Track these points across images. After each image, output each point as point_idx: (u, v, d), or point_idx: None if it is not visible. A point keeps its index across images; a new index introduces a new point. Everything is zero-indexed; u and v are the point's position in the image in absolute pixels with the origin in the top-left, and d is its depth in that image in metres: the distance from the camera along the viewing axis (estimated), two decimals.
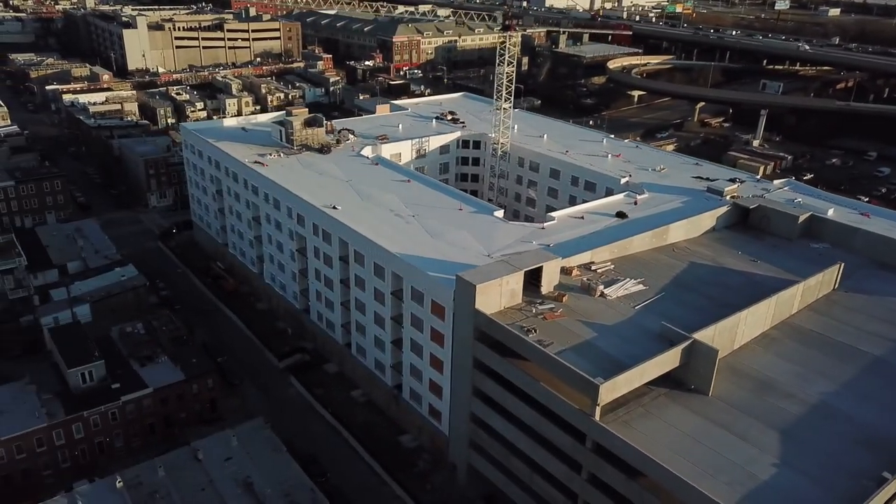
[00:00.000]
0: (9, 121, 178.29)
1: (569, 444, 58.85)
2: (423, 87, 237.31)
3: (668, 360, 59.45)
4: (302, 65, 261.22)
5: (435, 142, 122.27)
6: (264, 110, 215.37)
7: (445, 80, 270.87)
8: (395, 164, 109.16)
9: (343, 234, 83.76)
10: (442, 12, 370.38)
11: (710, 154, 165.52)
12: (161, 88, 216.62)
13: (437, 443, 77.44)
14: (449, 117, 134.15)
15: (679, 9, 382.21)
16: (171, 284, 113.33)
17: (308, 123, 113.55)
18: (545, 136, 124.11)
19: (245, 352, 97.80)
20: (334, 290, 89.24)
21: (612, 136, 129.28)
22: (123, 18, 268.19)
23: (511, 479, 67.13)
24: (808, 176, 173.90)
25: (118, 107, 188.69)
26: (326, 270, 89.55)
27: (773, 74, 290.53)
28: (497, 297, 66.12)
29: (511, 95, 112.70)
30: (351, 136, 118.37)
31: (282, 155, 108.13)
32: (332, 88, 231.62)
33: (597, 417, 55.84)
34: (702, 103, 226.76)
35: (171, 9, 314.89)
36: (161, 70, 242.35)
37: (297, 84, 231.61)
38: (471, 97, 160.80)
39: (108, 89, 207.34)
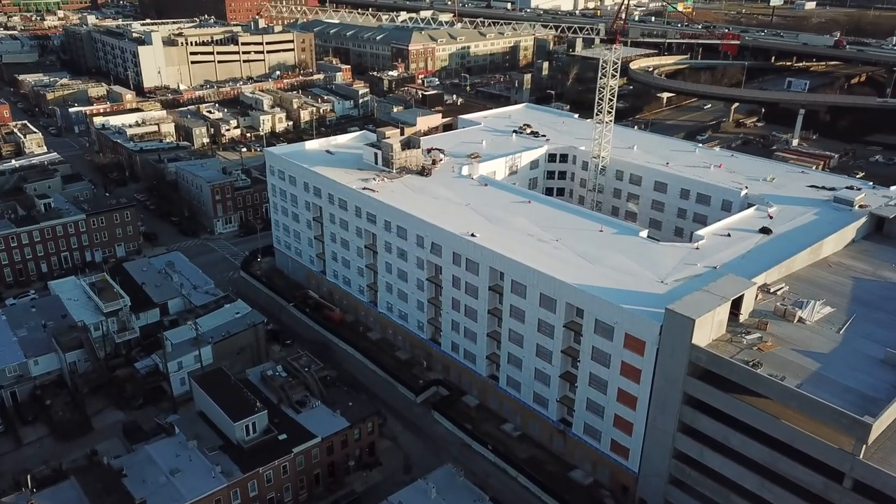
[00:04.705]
0: (45, 147, 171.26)
1: (820, 484, 56.52)
2: (454, 97, 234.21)
3: None
4: (321, 77, 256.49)
5: (526, 157, 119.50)
6: (296, 126, 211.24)
7: (468, 88, 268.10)
8: (505, 184, 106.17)
9: (496, 264, 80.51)
10: (443, 17, 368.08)
11: (755, 155, 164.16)
12: (190, 107, 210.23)
13: (619, 479, 74.59)
14: (528, 130, 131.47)
15: (680, 7, 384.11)
16: (270, 316, 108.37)
17: (405, 145, 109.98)
18: (635, 146, 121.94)
19: (374, 386, 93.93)
20: (478, 321, 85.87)
21: (702, 144, 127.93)
22: (134, 35, 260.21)
23: None
24: (860, 174, 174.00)
25: (155, 128, 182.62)
26: (469, 300, 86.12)
27: (786, 71, 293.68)
28: (708, 329, 63.62)
29: (613, 109, 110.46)
30: (442, 156, 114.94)
31: (385, 179, 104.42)
32: (361, 101, 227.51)
33: (861, 456, 53.59)
34: (736, 104, 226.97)
35: (173, 23, 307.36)
36: (182, 87, 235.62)
37: (325, 97, 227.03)
38: (533, 107, 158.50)
39: (137, 110, 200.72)
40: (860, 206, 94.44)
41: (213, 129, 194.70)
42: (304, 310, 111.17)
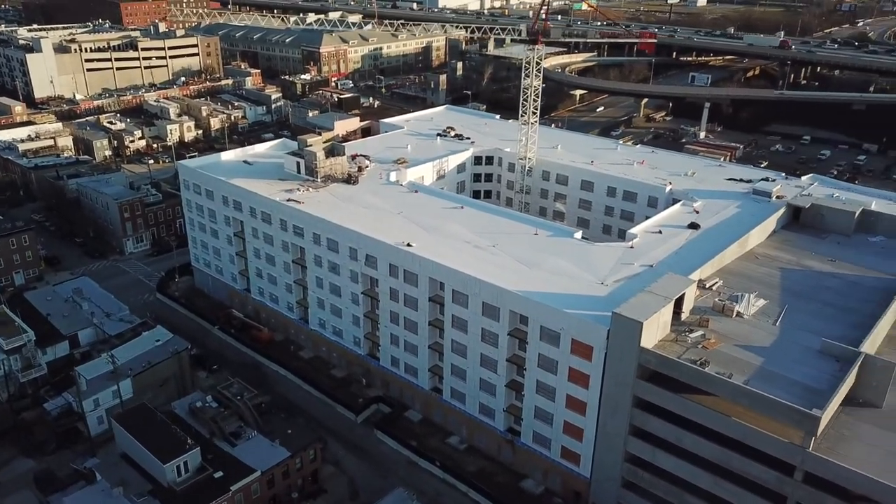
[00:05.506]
0: None
1: (773, 479, 57.25)
2: (371, 100, 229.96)
3: (850, 380, 59.09)
4: (230, 82, 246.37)
5: (452, 161, 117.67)
6: (207, 134, 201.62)
7: (383, 90, 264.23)
8: (435, 190, 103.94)
9: (435, 274, 78.09)
10: (353, 19, 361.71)
11: (665, 148, 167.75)
12: (88, 118, 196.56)
13: (571, 486, 73.76)
14: (452, 133, 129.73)
15: (584, 6, 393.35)
16: (192, 341, 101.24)
17: (330, 152, 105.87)
18: (559, 146, 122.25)
19: (311, 408, 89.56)
20: (419, 334, 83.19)
21: (622, 141, 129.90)
22: (21, 41, 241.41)
23: None
24: (764, 163, 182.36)
25: (51, 142, 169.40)
26: (408, 313, 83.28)
27: (688, 66, 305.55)
28: (654, 330, 63.51)
29: (537, 110, 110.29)
30: (368, 162, 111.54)
31: (310, 189, 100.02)
32: (274, 106, 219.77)
33: (811, 448, 54.54)
34: (646, 99, 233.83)
35: (64, 28, 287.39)
36: (78, 97, 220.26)
37: (236, 103, 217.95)
38: (454, 109, 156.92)
39: (29, 123, 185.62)
40: (777, 197, 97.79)
41: (115, 141, 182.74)
42: (229, 331, 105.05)
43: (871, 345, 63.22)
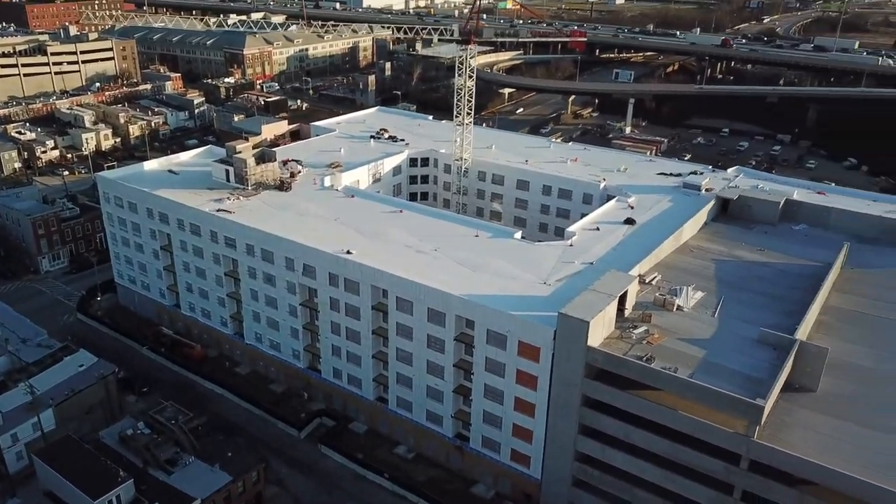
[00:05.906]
0: None
1: (720, 469, 58.17)
2: (298, 102, 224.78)
3: (788, 367, 60.68)
4: (149, 87, 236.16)
5: (388, 164, 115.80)
6: (125, 142, 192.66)
7: (311, 92, 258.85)
8: (372, 194, 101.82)
9: (377, 281, 76.14)
10: (277, 19, 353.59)
11: (594, 143, 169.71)
12: None
13: (522, 488, 73.24)
14: (386, 135, 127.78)
15: (509, 4, 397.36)
16: (119, 363, 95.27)
17: (260, 159, 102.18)
18: (493, 146, 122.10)
19: (251, 426, 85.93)
20: (362, 343, 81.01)
21: (554, 139, 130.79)
22: None
23: None
24: (688, 156, 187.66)
25: None
26: (350, 322, 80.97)
27: (611, 63, 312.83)
28: (600, 328, 63.65)
29: (472, 111, 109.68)
30: (300, 168, 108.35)
31: (241, 198, 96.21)
32: (197, 111, 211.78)
33: (756, 437, 55.64)
34: (573, 96, 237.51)
35: None
36: None
37: (156, 109, 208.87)
38: (386, 111, 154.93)
39: None
40: (707, 190, 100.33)
41: (25, 153, 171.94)
42: (159, 350, 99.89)
43: (803, 331, 65.21)
